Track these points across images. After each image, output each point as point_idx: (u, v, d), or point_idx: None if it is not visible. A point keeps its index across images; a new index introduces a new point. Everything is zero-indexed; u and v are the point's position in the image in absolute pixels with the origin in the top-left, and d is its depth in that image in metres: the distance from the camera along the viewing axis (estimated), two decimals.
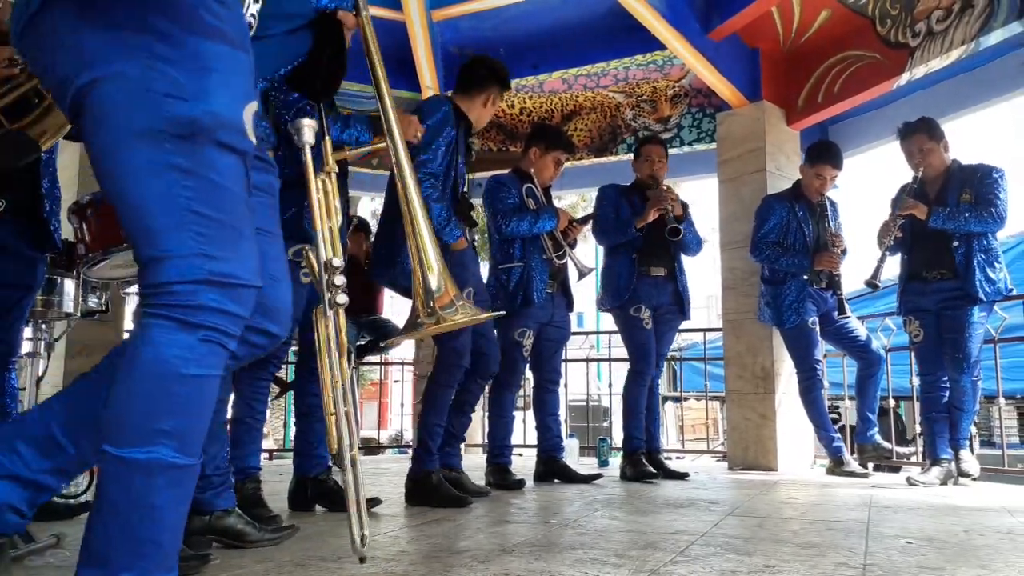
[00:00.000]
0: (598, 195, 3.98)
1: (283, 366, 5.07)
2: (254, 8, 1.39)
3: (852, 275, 6.45)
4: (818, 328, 3.95)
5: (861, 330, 3.99)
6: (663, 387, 5.99)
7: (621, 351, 4.23)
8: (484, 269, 3.57)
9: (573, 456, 4.51)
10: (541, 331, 3.61)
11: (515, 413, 3.70)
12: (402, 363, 6.34)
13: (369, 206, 11.41)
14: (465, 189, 3.04)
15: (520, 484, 3.35)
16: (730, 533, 2.12)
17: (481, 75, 3.03)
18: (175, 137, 1.07)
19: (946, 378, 3.42)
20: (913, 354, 3.73)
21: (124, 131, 1.07)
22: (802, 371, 3.99)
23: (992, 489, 3.31)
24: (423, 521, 2.40)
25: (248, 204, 1.17)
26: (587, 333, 9.64)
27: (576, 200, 12.07)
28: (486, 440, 3.66)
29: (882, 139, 4.69)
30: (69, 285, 3.16)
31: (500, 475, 3.39)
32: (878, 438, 3.93)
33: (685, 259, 3.94)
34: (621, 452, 3.83)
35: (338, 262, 1.61)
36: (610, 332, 5.01)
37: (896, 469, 4.66)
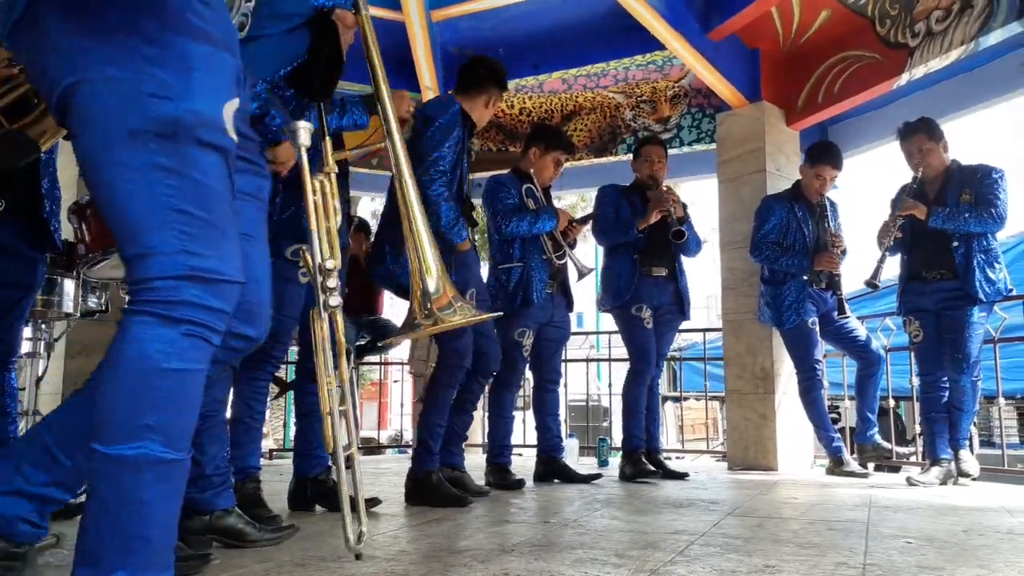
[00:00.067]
0: (598, 195, 3.98)
1: (283, 366, 5.08)
2: (245, 7, 1.39)
3: (852, 275, 6.47)
4: (818, 328, 3.95)
5: (861, 330, 3.99)
6: (663, 387, 5.99)
7: (621, 351, 4.23)
8: (484, 269, 3.57)
9: (573, 456, 4.51)
10: (541, 331, 3.61)
11: (515, 413, 3.70)
12: (402, 363, 6.33)
13: (369, 206, 11.42)
14: (465, 189, 3.04)
15: (520, 484, 3.35)
16: (730, 533, 2.12)
17: (481, 76, 3.03)
18: (158, 136, 1.08)
19: (946, 378, 3.42)
20: (913, 354, 3.73)
21: (108, 131, 1.09)
22: (802, 371, 3.99)
23: (992, 489, 3.31)
24: (423, 521, 2.40)
25: (231, 202, 1.18)
26: (587, 333, 9.65)
27: (576, 200, 12.08)
28: (486, 440, 3.66)
29: (882, 139, 4.69)
30: (69, 285, 3.16)
31: (500, 475, 3.39)
32: (878, 438, 3.93)
33: (685, 259, 3.95)
34: (621, 452, 3.83)
35: (332, 264, 1.61)
36: (610, 332, 5.01)
37: (896, 469, 4.66)
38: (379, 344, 4.69)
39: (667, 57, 4.83)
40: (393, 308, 5.95)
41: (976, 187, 3.37)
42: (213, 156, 1.13)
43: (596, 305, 4.10)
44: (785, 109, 4.63)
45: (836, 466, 3.91)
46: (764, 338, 4.32)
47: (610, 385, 5.38)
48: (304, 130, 1.65)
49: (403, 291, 2.79)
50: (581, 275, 3.59)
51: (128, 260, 1.12)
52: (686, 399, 8.25)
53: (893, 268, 3.62)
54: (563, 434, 4.02)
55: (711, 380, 5.76)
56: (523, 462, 4.09)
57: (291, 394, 6.10)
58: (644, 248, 3.77)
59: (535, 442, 3.80)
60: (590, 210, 4.08)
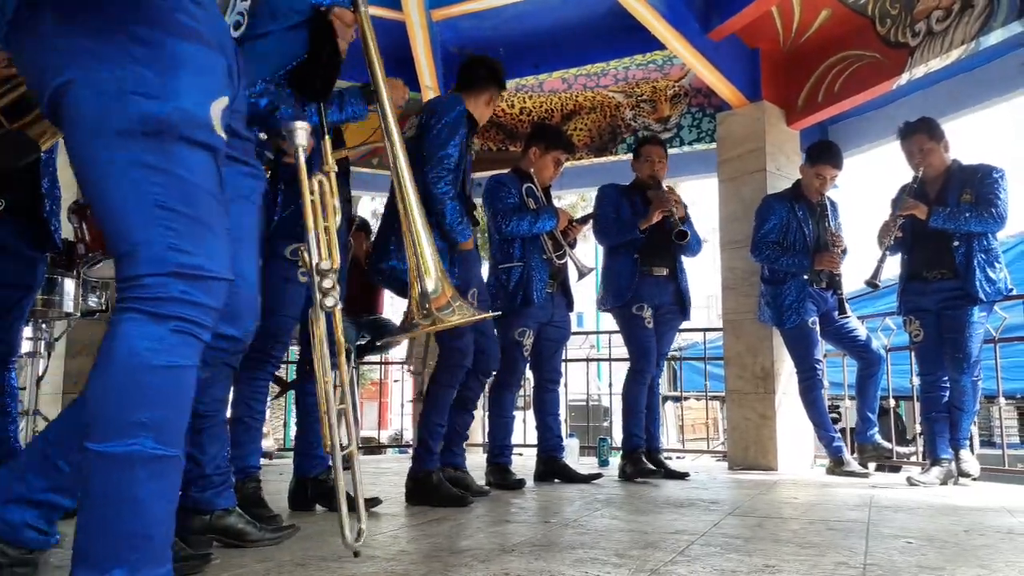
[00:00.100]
0: (598, 195, 3.98)
1: (283, 366, 5.07)
2: (241, 6, 1.40)
3: (852, 275, 6.46)
4: (818, 328, 3.95)
5: (861, 330, 3.99)
6: (663, 387, 5.99)
7: (621, 351, 4.23)
8: (484, 268, 3.57)
9: (573, 456, 4.51)
10: (541, 331, 3.61)
11: (515, 413, 3.70)
12: (402, 363, 6.33)
13: (370, 205, 11.41)
14: (468, 188, 3.04)
15: (520, 484, 3.35)
16: (730, 533, 2.12)
17: (481, 75, 3.04)
18: (145, 135, 1.10)
19: (946, 378, 3.42)
20: (913, 354, 3.73)
21: (96, 130, 1.11)
22: (802, 371, 3.99)
23: (992, 489, 3.31)
24: (423, 520, 2.40)
25: (220, 200, 1.19)
26: (587, 333, 9.64)
27: (576, 200, 12.07)
28: (486, 440, 3.65)
29: (882, 139, 4.69)
30: (69, 285, 3.17)
31: (500, 475, 3.39)
32: (878, 438, 3.92)
33: (685, 259, 3.95)
34: (621, 451, 3.83)
35: (326, 265, 1.61)
36: (610, 332, 5.02)
37: (896, 469, 4.66)
38: (377, 344, 4.69)
39: (667, 57, 4.83)
40: (393, 308, 5.95)
41: (977, 187, 3.36)
42: (200, 154, 1.14)
43: (596, 305, 4.10)
44: (785, 109, 4.63)
45: (836, 466, 3.91)
46: (764, 338, 4.32)
47: (610, 385, 5.38)
48: (302, 130, 1.65)
49: (405, 289, 2.78)
50: (581, 275, 3.59)
51: (117, 258, 1.14)
52: (686, 399, 8.25)
53: (893, 268, 3.62)
54: (563, 434, 4.02)
55: (711, 380, 5.76)
56: (523, 462, 4.09)
57: (291, 394, 6.11)
58: (645, 248, 3.77)
59: (535, 442, 3.79)
60: (590, 210, 4.08)
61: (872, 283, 3.46)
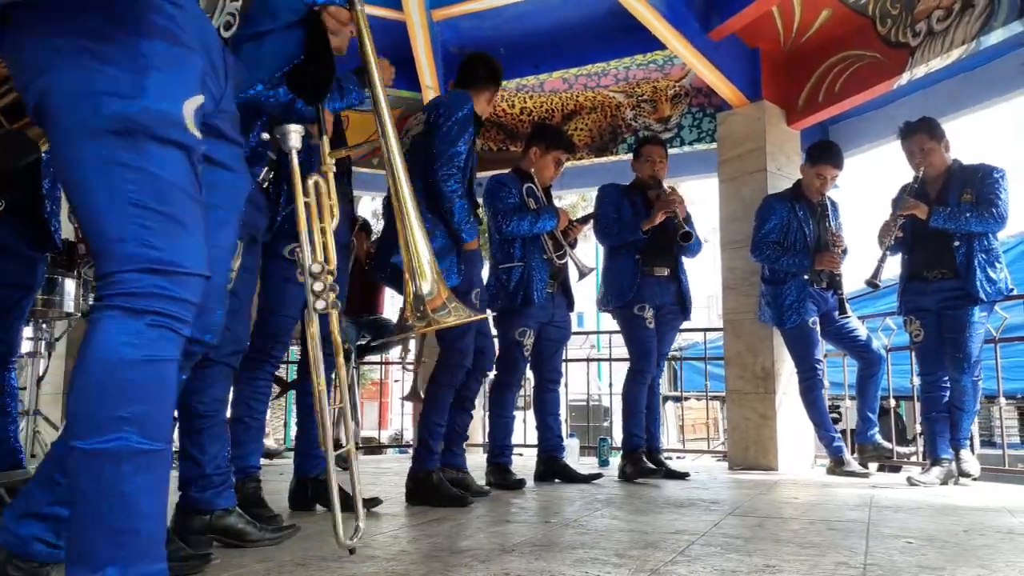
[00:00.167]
0: (598, 194, 3.98)
1: (283, 366, 5.08)
2: (231, 7, 1.40)
3: (853, 275, 6.46)
4: (819, 328, 3.95)
5: (862, 330, 3.99)
6: (663, 387, 5.98)
7: (621, 351, 4.23)
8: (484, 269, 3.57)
9: (573, 456, 4.51)
10: (541, 331, 3.61)
11: (515, 413, 3.70)
12: (400, 361, 6.33)
13: (370, 206, 11.41)
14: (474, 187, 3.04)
15: (520, 484, 3.35)
16: (730, 533, 2.12)
17: (482, 73, 3.04)
18: (117, 134, 1.12)
19: (947, 378, 3.42)
20: (914, 354, 3.72)
21: (71, 130, 1.13)
22: (802, 371, 3.98)
23: (993, 489, 3.31)
24: (424, 520, 2.40)
25: (196, 197, 1.20)
26: (587, 333, 9.64)
27: (576, 200, 12.06)
28: (486, 440, 3.65)
29: (882, 139, 4.68)
30: (70, 285, 3.17)
31: (500, 475, 3.39)
32: (878, 438, 3.92)
33: (685, 259, 3.95)
34: (621, 451, 3.83)
35: (316, 269, 1.61)
36: (611, 332, 5.01)
37: (897, 469, 4.66)
38: (374, 344, 4.70)
39: (668, 56, 4.83)
40: (393, 308, 5.94)
41: (977, 187, 3.36)
42: (173, 152, 1.16)
43: (597, 305, 4.10)
44: (786, 108, 4.62)
45: (837, 466, 3.91)
46: (765, 338, 4.32)
47: (611, 385, 5.37)
48: (294, 133, 1.65)
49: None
50: (582, 275, 3.59)
51: (94, 255, 1.17)
52: (687, 399, 8.25)
53: (894, 267, 3.62)
54: (564, 434, 4.01)
55: (712, 380, 5.76)
56: (524, 462, 4.08)
57: (291, 394, 6.11)
58: (646, 248, 3.77)
59: (536, 442, 3.79)
60: (591, 210, 4.07)
61: (872, 283, 3.45)
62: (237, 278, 1.90)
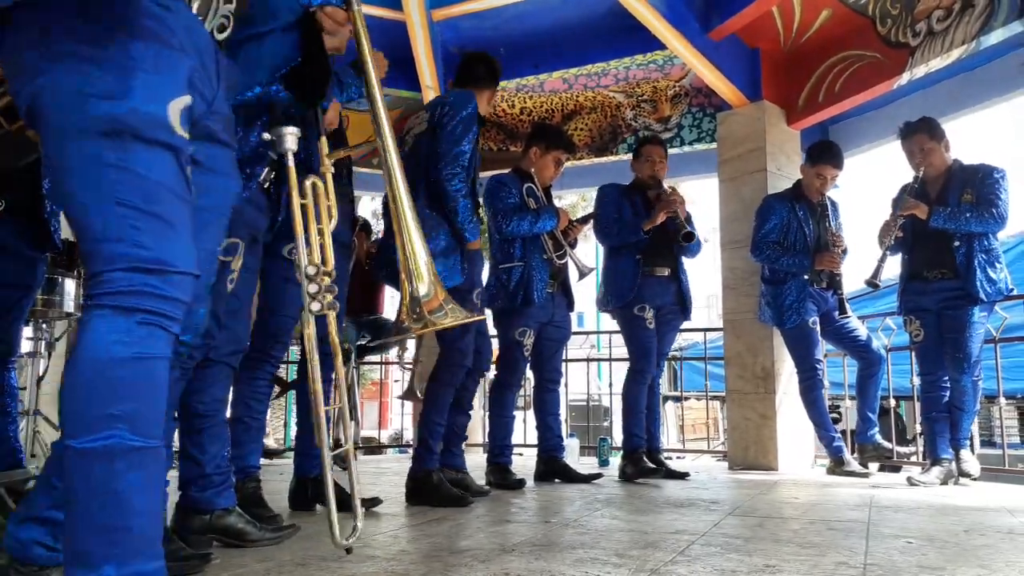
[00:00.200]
0: (598, 195, 3.98)
1: (283, 366, 5.08)
2: (225, 9, 1.40)
3: (853, 275, 6.46)
4: (819, 328, 3.95)
5: (861, 330, 3.99)
6: (664, 387, 5.99)
7: (621, 351, 4.23)
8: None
9: (573, 456, 4.51)
10: (542, 331, 3.61)
11: (515, 413, 3.70)
12: (400, 363, 6.33)
13: (370, 206, 11.41)
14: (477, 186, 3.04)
15: (520, 484, 3.35)
16: (730, 533, 2.12)
17: (481, 72, 3.04)
18: (103, 135, 1.13)
19: (947, 378, 3.42)
20: (914, 354, 3.72)
21: (60, 132, 1.15)
22: (802, 371, 3.98)
23: (993, 489, 3.31)
24: (423, 520, 2.40)
25: (184, 197, 1.22)
26: (587, 333, 9.63)
27: (576, 200, 12.06)
28: (486, 440, 3.65)
29: (882, 139, 4.68)
30: (70, 285, 3.17)
31: (500, 475, 3.39)
32: (878, 438, 3.92)
33: (685, 259, 3.95)
34: (621, 451, 3.83)
35: (311, 271, 1.61)
36: (611, 332, 5.01)
37: (897, 469, 4.66)
38: (371, 344, 4.70)
39: (668, 56, 4.83)
40: (394, 307, 5.94)
41: (977, 187, 3.36)
42: (159, 152, 1.18)
43: (596, 305, 4.10)
44: (786, 108, 4.62)
45: (837, 466, 3.91)
46: (765, 338, 4.32)
47: (611, 385, 5.37)
48: (291, 135, 1.65)
49: None
50: (582, 275, 3.59)
51: (84, 256, 1.18)
52: (687, 399, 8.25)
53: (894, 267, 3.62)
54: (564, 434, 4.01)
55: (712, 380, 5.76)
56: (524, 462, 4.09)
57: (292, 394, 6.11)
58: (647, 248, 3.77)
59: (536, 442, 3.79)
60: (591, 210, 4.07)
61: (872, 283, 3.45)
62: (238, 278, 1.90)
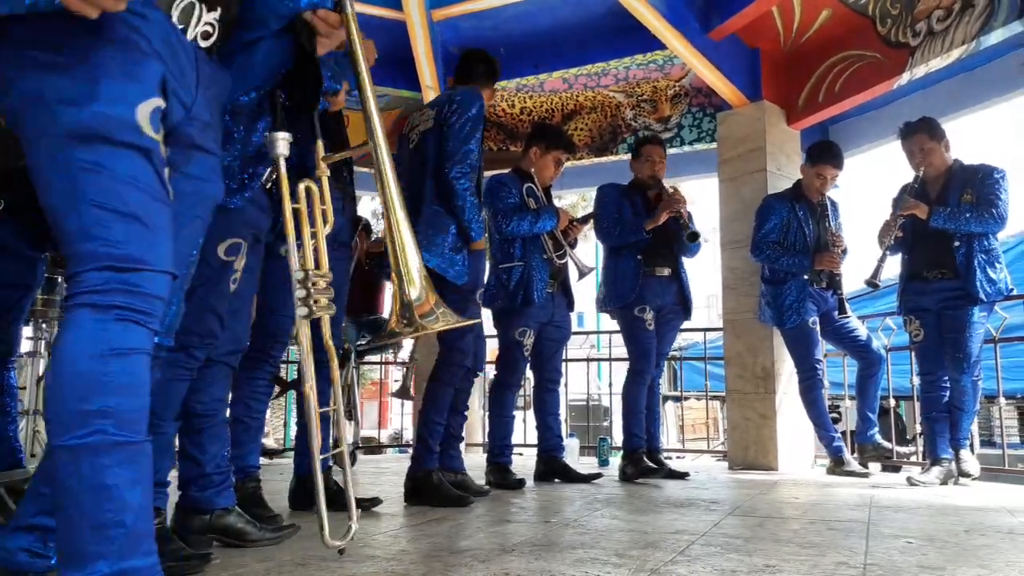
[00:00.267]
0: (598, 194, 3.97)
1: (283, 366, 5.07)
2: (210, 16, 1.41)
3: (852, 275, 6.46)
4: (818, 328, 3.95)
5: (861, 330, 3.99)
6: (664, 387, 5.99)
7: (621, 351, 4.23)
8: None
9: (573, 456, 4.51)
10: (541, 331, 3.61)
11: (515, 413, 3.70)
12: (395, 361, 6.33)
13: (370, 206, 11.41)
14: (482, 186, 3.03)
15: (520, 483, 3.35)
16: (730, 533, 2.12)
17: (481, 70, 3.05)
18: (76, 139, 1.16)
19: (946, 378, 3.42)
20: (913, 354, 3.72)
21: (35, 138, 1.19)
22: (802, 371, 3.98)
23: (992, 489, 3.31)
24: (423, 520, 2.40)
25: (159, 197, 1.23)
26: (587, 333, 9.63)
27: (576, 200, 12.07)
28: (486, 439, 3.65)
29: (882, 139, 4.68)
30: None
31: (500, 474, 3.39)
32: (878, 438, 3.92)
33: (684, 259, 3.95)
34: (621, 451, 3.83)
35: (299, 275, 1.61)
36: (611, 332, 5.01)
37: (896, 469, 4.66)
38: (364, 347, 4.70)
39: (668, 56, 4.83)
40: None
41: (977, 187, 3.36)
42: (129, 154, 1.20)
43: (596, 305, 4.10)
44: (786, 108, 4.62)
45: (837, 466, 3.91)
46: (765, 338, 4.32)
47: (611, 385, 5.37)
48: (282, 140, 1.64)
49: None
50: (582, 274, 3.59)
51: (65, 258, 1.20)
52: (686, 399, 8.25)
53: (894, 267, 3.62)
54: (564, 434, 4.02)
55: (712, 380, 5.76)
56: (524, 461, 4.09)
57: (291, 394, 6.11)
58: (647, 248, 3.77)
59: (536, 442, 3.79)
60: (591, 209, 4.07)
61: (872, 283, 3.45)
62: (240, 278, 1.90)
